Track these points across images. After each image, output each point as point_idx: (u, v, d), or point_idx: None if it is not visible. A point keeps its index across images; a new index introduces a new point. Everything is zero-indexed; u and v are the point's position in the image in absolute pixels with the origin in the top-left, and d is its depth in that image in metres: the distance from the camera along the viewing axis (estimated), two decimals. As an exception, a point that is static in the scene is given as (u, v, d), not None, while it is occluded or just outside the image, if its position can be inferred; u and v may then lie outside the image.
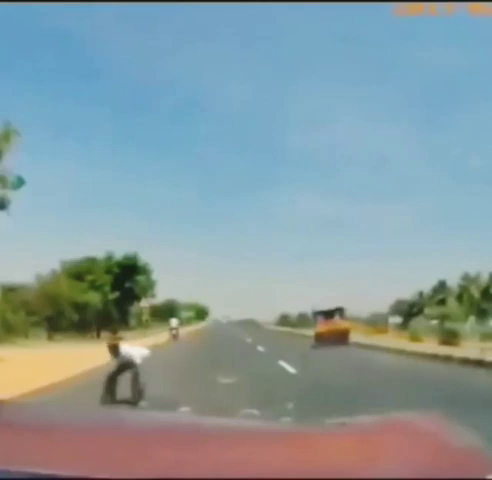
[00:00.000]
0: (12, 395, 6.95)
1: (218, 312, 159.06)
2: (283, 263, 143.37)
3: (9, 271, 53.14)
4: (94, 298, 35.65)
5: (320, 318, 27.86)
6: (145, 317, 45.22)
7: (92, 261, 43.92)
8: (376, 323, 44.88)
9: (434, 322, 42.67)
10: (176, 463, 1.01)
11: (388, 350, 20.66)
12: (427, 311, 54.12)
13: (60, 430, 1.31)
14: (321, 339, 24.91)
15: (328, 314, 27.56)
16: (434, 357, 16.30)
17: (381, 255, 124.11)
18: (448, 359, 15.37)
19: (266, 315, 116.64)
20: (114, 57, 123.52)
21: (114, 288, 43.55)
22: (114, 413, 1.99)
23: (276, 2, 62.50)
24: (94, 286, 39.29)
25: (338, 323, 26.41)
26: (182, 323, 48.30)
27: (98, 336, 32.04)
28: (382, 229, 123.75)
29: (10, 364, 13.20)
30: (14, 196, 16.84)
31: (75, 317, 32.12)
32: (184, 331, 42.79)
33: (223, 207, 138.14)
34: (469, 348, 18.64)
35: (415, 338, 27.47)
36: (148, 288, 49.87)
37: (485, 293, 56.80)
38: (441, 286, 62.97)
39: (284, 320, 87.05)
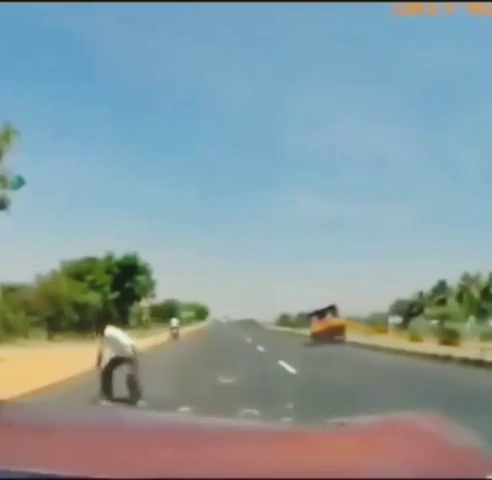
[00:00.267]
0: (12, 395, 6.94)
1: (218, 312, 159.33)
2: (283, 263, 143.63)
3: (9, 271, 53.13)
4: (94, 298, 35.61)
5: (315, 318, 29.37)
6: (145, 317, 45.18)
7: (92, 261, 43.91)
8: (376, 323, 44.95)
9: (434, 322, 42.68)
10: (176, 463, 1.01)
11: (388, 350, 20.65)
12: (427, 311, 54.12)
13: (60, 430, 1.31)
14: (317, 337, 26.69)
15: (321, 313, 29.06)
16: (434, 357, 16.30)
17: (381, 255, 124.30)
18: (448, 359, 15.38)
19: (266, 315, 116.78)
20: (114, 57, 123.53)
21: (114, 288, 43.55)
22: (114, 413, 1.99)
23: (276, 2, 62.52)
24: (94, 286, 39.26)
25: (332, 321, 27.92)
26: (182, 323, 48.31)
27: (98, 336, 31.89)
28: (382, 229, 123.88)
29: (10, 364, 13.20)
30: (14, 196, 16.82)
31: (75, 317, 32.07)
32: (184, 331, 42.78)
33: (223, 207, 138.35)
34: (469, 348, 18.65)
35: (415, 338, 27.48)
36: (148, 288, 49.88)
37: (485, 293, 56.79)
38: (441, 286, 62.98)
39: (284, 320, 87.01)
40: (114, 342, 8.24)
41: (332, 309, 29.13)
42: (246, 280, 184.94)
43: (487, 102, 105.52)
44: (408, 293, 65.18)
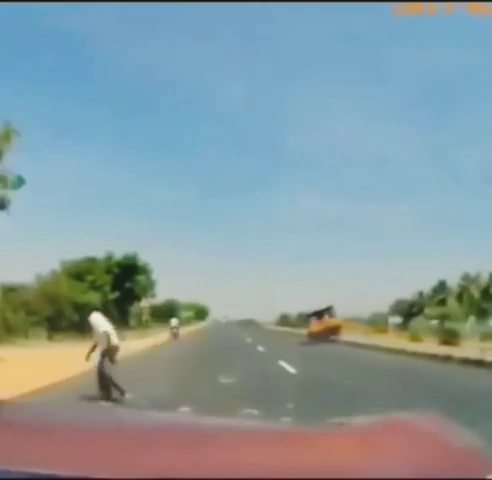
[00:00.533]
0: (12, 395, 6.94)
1: (218, 312, 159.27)
2: (283, 263, 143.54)
3: (9, 271, 53.04)
4: (94, 298, 35.60)
5: (314, 319, 31.15)
6: (145, 317, 45.17)
7: (92, 261, 43.89)
8: (376, 323, 44.98)
9: (434, 322, 42.69)
10: (176, 463, 1.01)
11: (388, 350, 20.65)
12: (427, 311, 54.14)
13: (60, 430, 1.31)
14: (314, 337, 28.48)
15: (319, 314, 30.86)
16: (434, 357, 16.29)
17: (381, 255, 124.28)
18: (448, 359, 15.37)
19: (266, 315, 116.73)
20: (114, 57, 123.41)
21: (114, 288, 43.54)
22: (114, 413, 1.99)
23: (276, 2, 62.52)
24: (94, 286, 39.26)
25: (328, 321, 29.77)
26: (182, 323, 48.35)
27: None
28: (382, 229, 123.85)
29: (10, 364, 13.20)
30: (14, 196, 16.83)
31: (75, 317, 32.03)
32: (184, 331, 42.78)
33: (223, 207, 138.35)
34: (469, 348, 18.65)
35: (415, 338, 27.48)
36: (148, 288, 49.86)
37: (485, 293, 56.81)
38: (441, 286, 62.98)
39: (284, 320, 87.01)
40: (95, 331, 8.22)
41: (329, 310, 30.75)
42: (246, 280, 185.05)
43: (487, 102, 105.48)
44: (408, 293, 65.25)
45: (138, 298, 48.10)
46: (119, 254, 47.96)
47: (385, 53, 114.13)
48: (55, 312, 30.49)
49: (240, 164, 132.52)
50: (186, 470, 0.96)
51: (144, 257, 49.41)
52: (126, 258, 47.81)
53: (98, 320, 8.43)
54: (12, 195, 16.73)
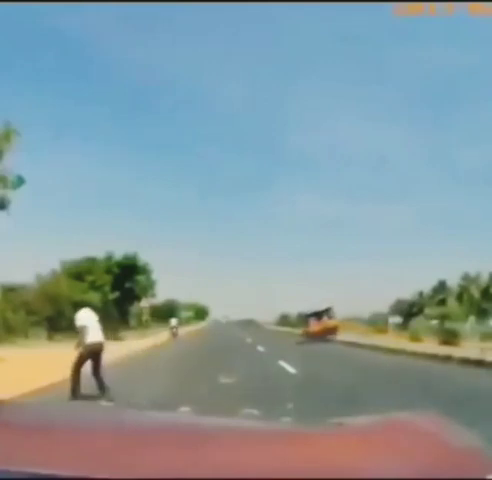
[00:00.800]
0: (12, 395, 6.95)
1: (218, 312, 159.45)
2: (283, 263, 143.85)
3: (9, 271, 53.05)
4: (94, 298, 35.59)
5: (313, 319, 31.78)
6: (145, 317, 45.19)
7: (92, 261, 43.87)
8: (376, 323, 44.99)
9: (434, 322, 42.69)
10: (176, 463, 1.01)
11: (388, 350, 20.64)
12: (427, 311, 54.16)
13: (60, 430, 1.31)
14: (312, 336, 29.18)
15: (318, 315, 31.63)
16: (434, 357, 16.29)
17: (381, 255, 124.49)
18: (448, 359, 15.37)
19: (266, 315, 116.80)
20: (114, 57, 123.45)
21: (114, 288, 43.50)
22: (114, 413, 1.99)
23: (276, 2, 62.51)
24: (94, 286, 39.25)
25: (327, 322, 30.50)
26: (182, 323, 48.37)
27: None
28: (382, 229, 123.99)
29: (10, 364, 13.20)
30: (14, 196, 16.81)
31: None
32: (184, 331, 42.79)
33: (223, 207, 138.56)
34: (469, 348, 18.64)
35: (415, 338, 27.47)
36: (148, 288, 49.83)
37: (485, 293, 56.82)
38: (441, 286, 63.01)
39: (284, 320, 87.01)
40: (89, 339, 8.13)
41: (328, 311, 31.37)
42: (246, 280, 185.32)
43: (487, 102, 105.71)
44: (408, 293, 65.33)
45: (138, 298, 48.09)
46: (119, 254, 47.97)
47: (385, 53, 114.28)
48: (55, 312, 30.45)
49: (240, 164, 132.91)
50: (186, 470, 0.96)
51: (144, 257, 49.45)
52: (126, 258, 47.78)
53: (81, 315, 8.31)
54: (12, 195, 16.73)
